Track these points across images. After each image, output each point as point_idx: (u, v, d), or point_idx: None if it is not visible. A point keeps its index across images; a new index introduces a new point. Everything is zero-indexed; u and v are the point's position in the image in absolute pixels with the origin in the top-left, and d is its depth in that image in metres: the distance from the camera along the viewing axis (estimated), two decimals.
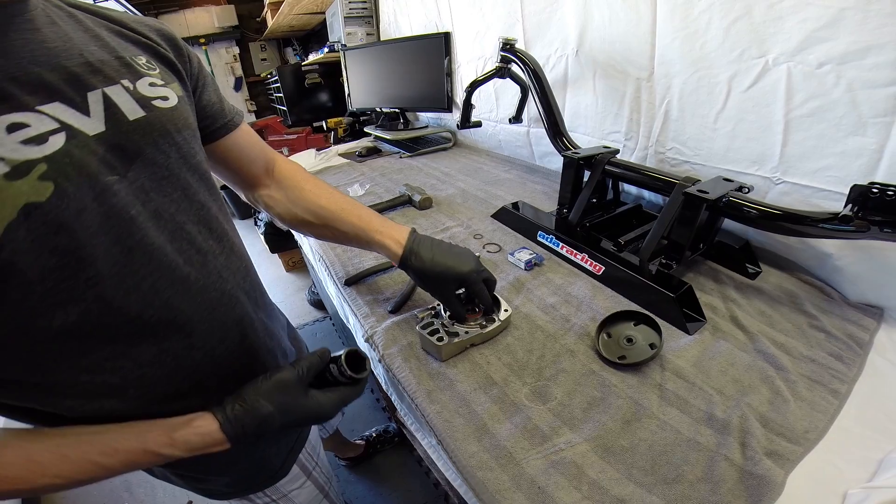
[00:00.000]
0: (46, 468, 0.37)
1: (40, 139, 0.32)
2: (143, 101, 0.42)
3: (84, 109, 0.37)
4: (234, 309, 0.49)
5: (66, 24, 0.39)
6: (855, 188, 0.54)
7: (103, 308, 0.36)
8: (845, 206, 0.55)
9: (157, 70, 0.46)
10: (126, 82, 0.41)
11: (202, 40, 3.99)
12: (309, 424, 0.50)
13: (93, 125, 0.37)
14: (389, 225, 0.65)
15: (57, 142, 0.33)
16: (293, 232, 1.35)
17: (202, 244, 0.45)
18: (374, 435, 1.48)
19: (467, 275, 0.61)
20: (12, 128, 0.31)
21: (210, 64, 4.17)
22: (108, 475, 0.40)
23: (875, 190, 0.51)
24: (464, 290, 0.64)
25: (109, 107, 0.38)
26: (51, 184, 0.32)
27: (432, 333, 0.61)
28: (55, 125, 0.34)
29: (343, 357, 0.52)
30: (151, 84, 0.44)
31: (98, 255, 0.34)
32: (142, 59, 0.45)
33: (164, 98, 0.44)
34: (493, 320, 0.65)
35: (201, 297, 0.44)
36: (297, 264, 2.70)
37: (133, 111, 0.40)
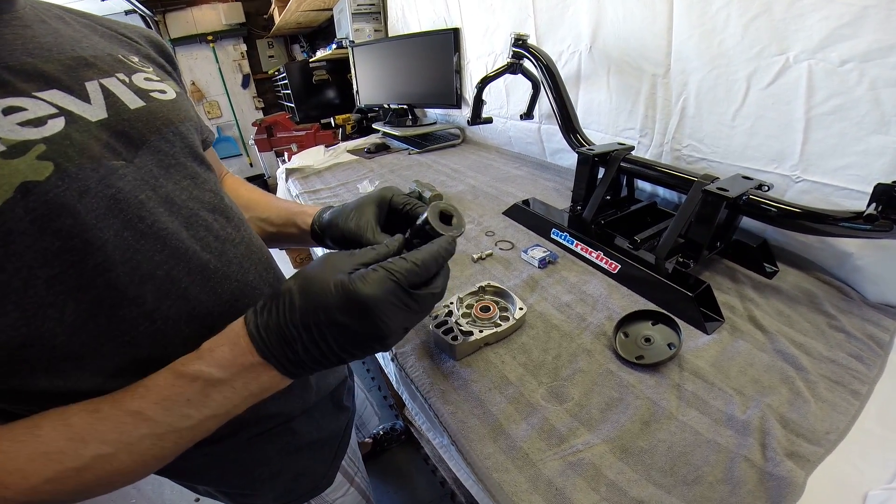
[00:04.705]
0: (86, 433, 0.31)
1: (38, 122, 0.32)
2: (141, 93, 0.41)
3: (84, 97, 0.36)
4: (258, 301, 0.44)
5: (55, 23, 0.39)
6: (879, 187, 0.53)
7: (116, 297, 0.33)
8: (869, 204, 0.54)
9: (151, 68, 0.46)
10: (121, 76, 0.40)
11: (209, 38, 3.99)
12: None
13: (94, 112, 0.36)
14: (309, 207, 0.59)
15: (56, 125, 0.33)
16: None
17: (220, 232, 0.42)
18: (382, 432, 1.48)
19: (382, 196, 0.49)
20: (8, 111, 0.31)
21: (218, 62, 4.18)
22: (153, 430, 0.32)
23: None
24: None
25: (109, 96, 0.38)
26: (50, 164, 0.31)
27: (446, 332, 0.61)
28: (53, 110, 0.33)
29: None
30: (147, 79, 0.43)
31: (107, 240, 0.33)
32: (134, 59, 0.44)
33: (163, 91, 0.43)
34: (508, 318, 0.65)
35: (221, 288, 0.41)
36: (304, 261, 2.71)
37: (133, 101, 0.39)
